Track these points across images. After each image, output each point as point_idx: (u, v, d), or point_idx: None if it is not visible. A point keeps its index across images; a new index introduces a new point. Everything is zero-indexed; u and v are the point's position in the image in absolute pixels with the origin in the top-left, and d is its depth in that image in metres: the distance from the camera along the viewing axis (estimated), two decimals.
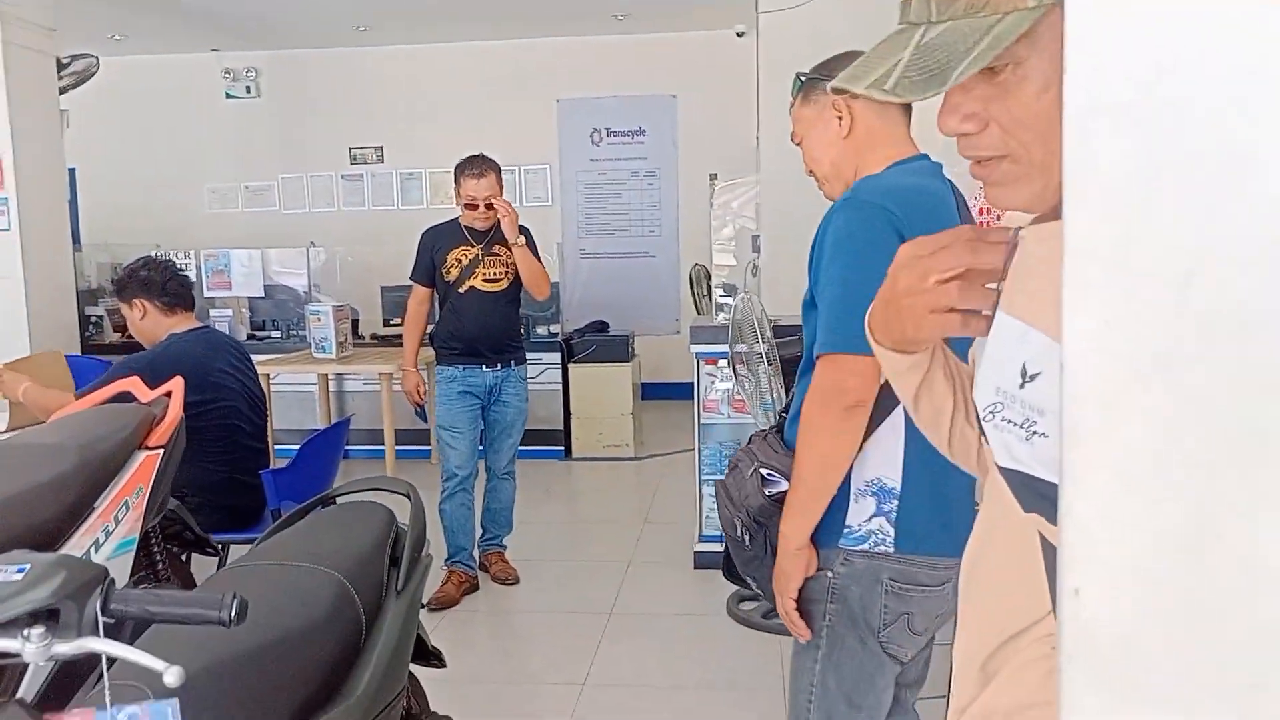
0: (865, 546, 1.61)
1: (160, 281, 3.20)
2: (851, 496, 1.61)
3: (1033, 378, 0.83)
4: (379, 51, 8.13)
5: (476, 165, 3.85)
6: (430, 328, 4.22)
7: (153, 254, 3.40)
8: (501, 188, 3.93)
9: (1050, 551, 0.83)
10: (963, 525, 1.08)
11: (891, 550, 1.60)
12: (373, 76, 8.17)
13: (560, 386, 6.27)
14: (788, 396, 2.79)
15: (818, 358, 1.57)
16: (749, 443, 1.78)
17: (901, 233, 1.48)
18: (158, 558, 2.44)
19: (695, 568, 4.13)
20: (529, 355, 4.31)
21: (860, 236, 1.55)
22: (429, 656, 2.10)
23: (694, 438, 4.27)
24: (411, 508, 2.05)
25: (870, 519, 1.61)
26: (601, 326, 6.75)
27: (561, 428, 6.27)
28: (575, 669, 3.27)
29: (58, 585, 1.02)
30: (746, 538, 1.70)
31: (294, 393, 6.16)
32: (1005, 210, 0.93)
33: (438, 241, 3.98)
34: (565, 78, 7.98)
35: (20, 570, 1.02)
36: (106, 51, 7.40)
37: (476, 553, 4.07)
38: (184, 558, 2.94)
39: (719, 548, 2.50)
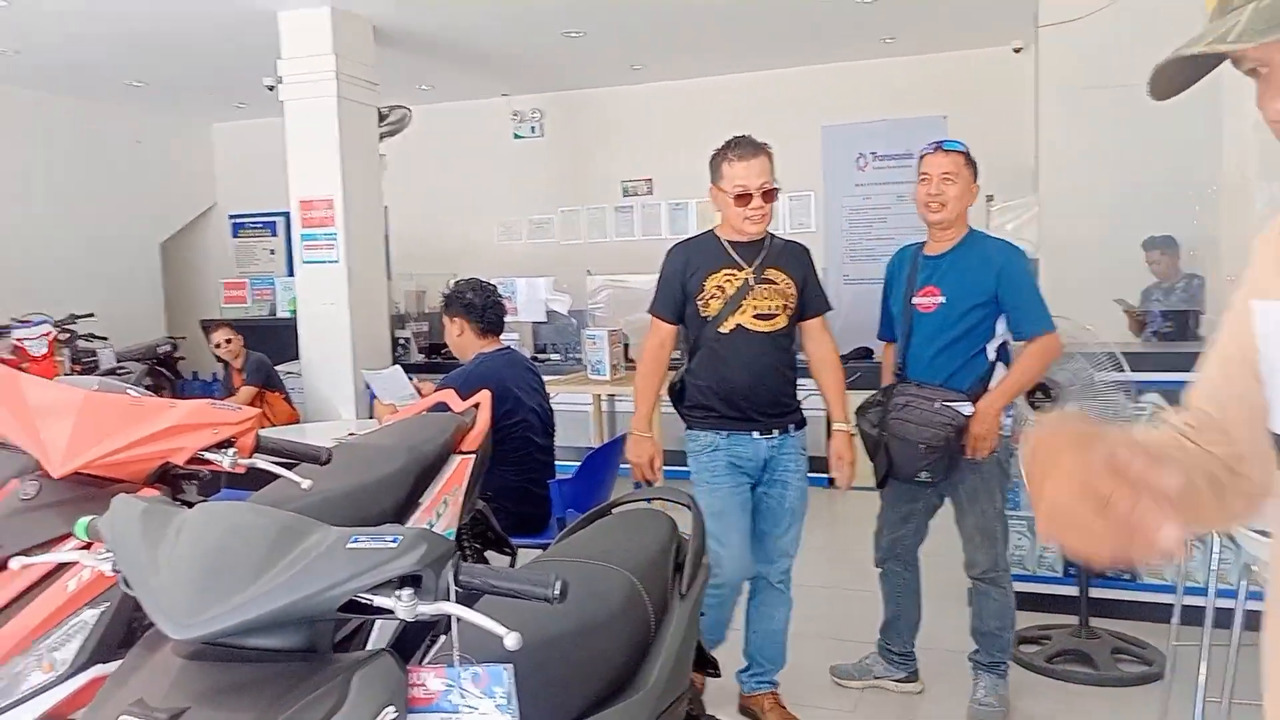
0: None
1: (481, 306, 3.60)
2: None
3: None
4: (651, 88, 8.54)
5: (745, 145, 2.94)
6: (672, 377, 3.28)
7: (480, 279, 3.78)
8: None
9: None
10: None
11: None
12: (644, 112, 8.58)
13: (824, 413, 6.22)
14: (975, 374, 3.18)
15: (1044, 334, 3.06)
16: (894, 396, 3.20)
17: None
18: (466, 553, 2.72)
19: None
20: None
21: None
22: (706, 665, 2.18)
23: None
24: (692, 517, 2.15)
25: None
26: (866, 353, 6.66)
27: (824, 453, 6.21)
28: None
29: (422, 554, 1.19)
30: (938, 445, 3.04)
31: (570, 411, 6.56)
32: None
33: (691, 262, 3.01)
34: (830, 103, 8.00)
35: (394, 540, 1.21)
36: (416, 101, 8.30)
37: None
38: (483, 555, 3.23)
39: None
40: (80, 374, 6.78)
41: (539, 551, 2.63)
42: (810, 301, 3.10)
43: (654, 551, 1.98)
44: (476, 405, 2.78)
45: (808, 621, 3.51)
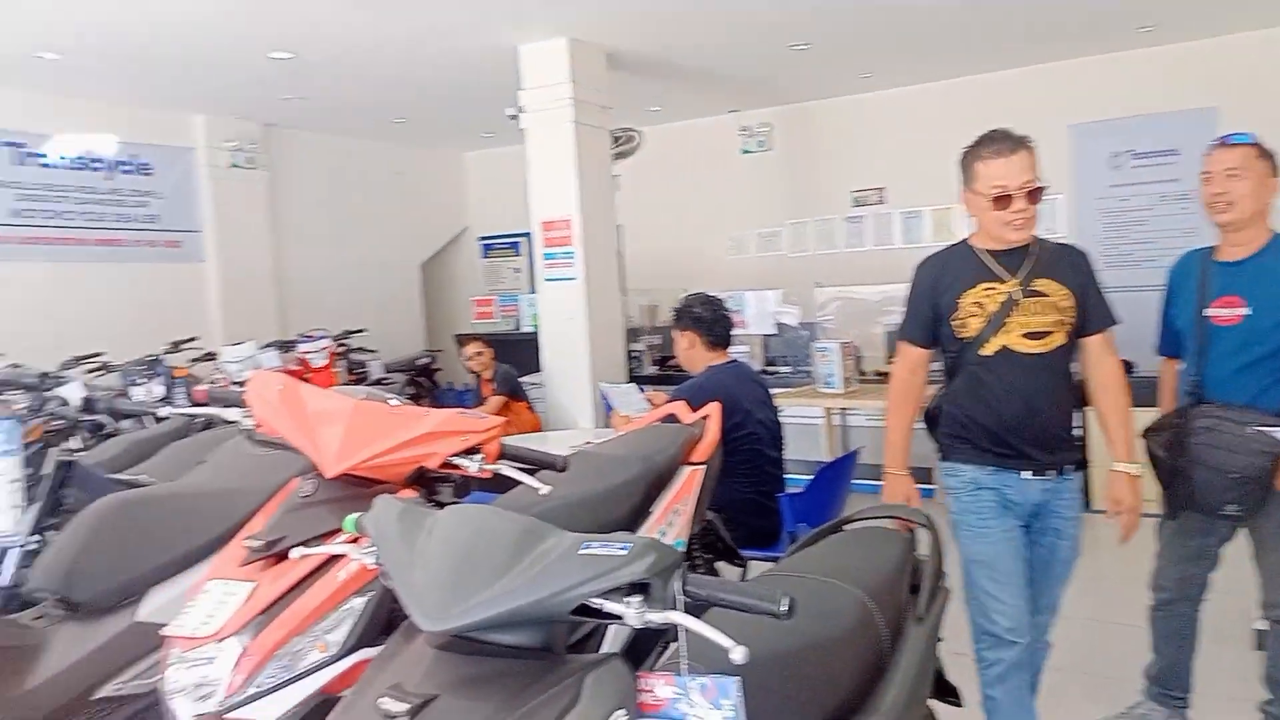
0: None
1: (709, 320, 3.65)
2: None
3: None
4: (881, 95, 8.33)
5: (1002, 140, 2.54)
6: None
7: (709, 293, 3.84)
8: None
9: None
10: None
11: None
12: (875, 120, 8.38)
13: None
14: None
15: None
16: (1194, 419, 2.82)
17: None
18: (696, 562, 2.75)
19: (1257, 648, 3.53)
20: None
21: None
22: (946, 693, 2.08)
23: None
24: (931, 538, 2.06)
25: None
26: (1126, 367, 6.14)
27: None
28: None
29: (651, 562, 1.22)
30: (1252, 474, 2.68)
31: (800, 425, 6.50)
32: None
33: (943, 278, 2.63)
34: (1078, 101, 7.46)
35: (624, 548, 1.24)
36: (646, 122, 8.55)
37: None
38: (713, 567, 3.26)
39: None
40: (353, 383, 7.48)
41: (770, 565, 2.62)
42: (1091, 315, 2.62)
43: (888, 571, 1.92)
44: (706, 417, 2.81)
45: (1061, 654, 3.25)
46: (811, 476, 3.46)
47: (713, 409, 2.82)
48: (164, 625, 1.74)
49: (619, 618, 1.22)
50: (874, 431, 6.28)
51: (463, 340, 7.14)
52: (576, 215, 6.35)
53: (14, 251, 7.35)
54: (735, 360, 3.80)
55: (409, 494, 1.90)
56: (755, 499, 3.45)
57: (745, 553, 3.26)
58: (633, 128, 7.81)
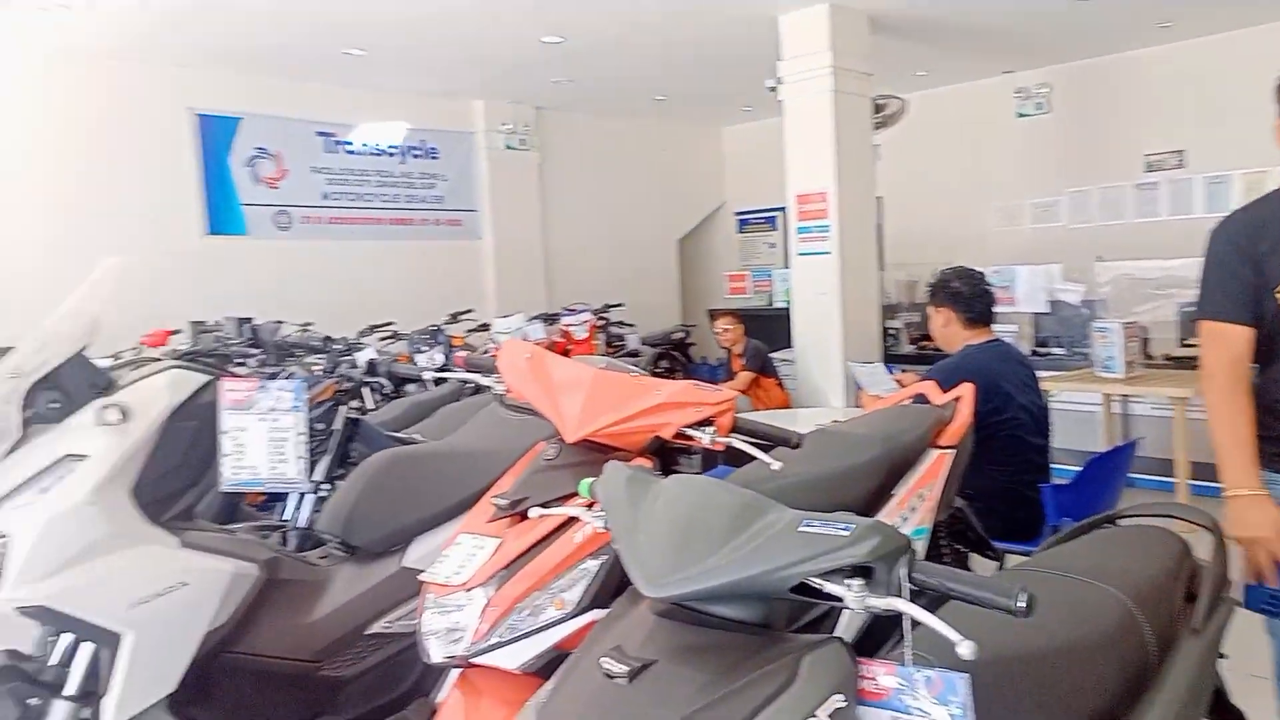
0: None
1: (968, 296, 3.45)
2: None
3: None
4: (1181, 47, 7.45)
5: None
6: None
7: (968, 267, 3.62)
8: None
9: None
10: None
11: None
12: (1174, 75, 7.51)
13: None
14: None
15: None
16: None
17: None
18: (943, 552, 2.61)
19: None
20: None
21: None
22: (1228, 714, 1.85)
23: None
24: (1214, 542, 1.84)
25: None
26: None
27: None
28: None
29: (874, 546, 1.16)
30: None
31: (1074, 412, 6.00)
32: None
33: (1261, 235, 2.06)
34: None
35: (846, 528, 1.20)
36: (911, 88, 8.17)
37: None
38: (964, 558, 3.09)
39: None
40: (611, 356, 7.78)
41: (1024, 559, 2.44)
42: None
43: (1158, 574, 1.73)
44: (958, 399, 2.65)
45: None
46: (1081, 468, 3.18)
47: (965, 390, 2.65)
48: (422, 576, 1.89)
49: (839, 600, 1.18)
50: (1158, 422, 5.67)
51: (715, 315, 7.21)
52: (833, 187, 6.20)
53: (323, 230, 8.26)
54: (998, 339, 3.55)
55: (644, 463, 1.94)
56: (1014, 488, 3.22)
57: (1000, 545, 3.06)
58: (895, 95, 7.48)
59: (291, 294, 7.17)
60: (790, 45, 6.34)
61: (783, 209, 7.43)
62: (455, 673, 1.88)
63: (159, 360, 2.54)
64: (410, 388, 3.95)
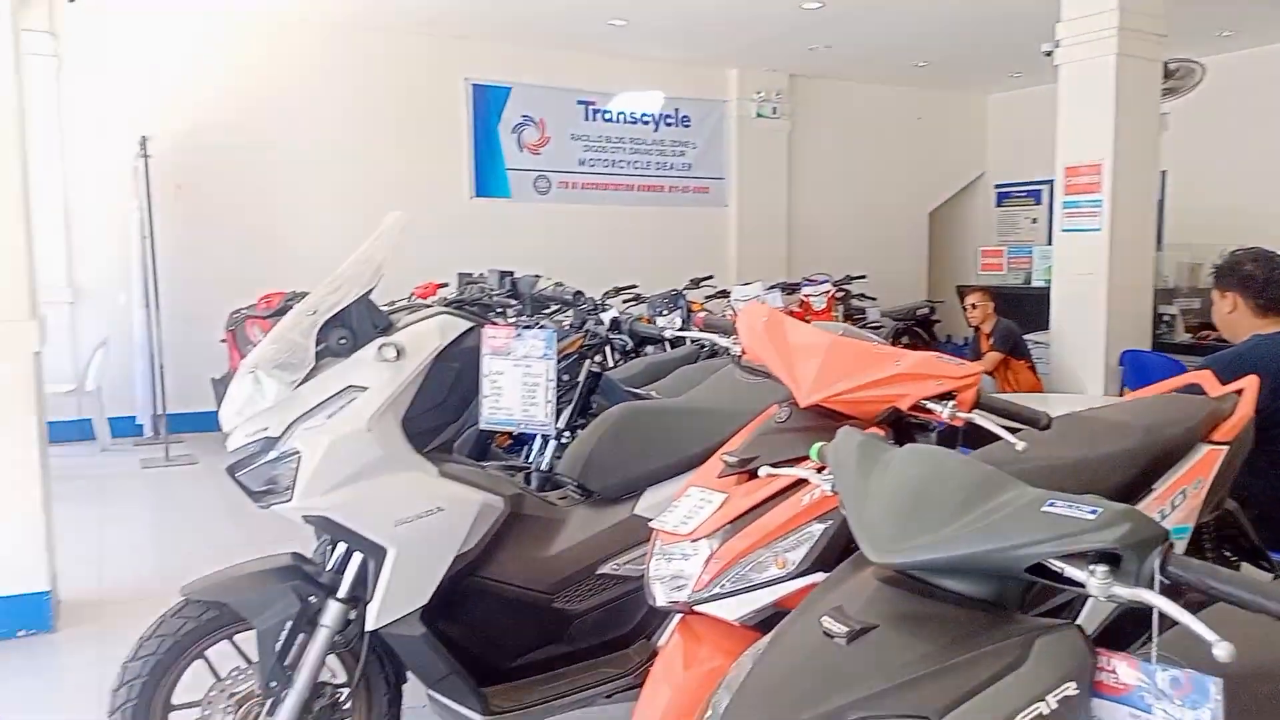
0: None
1: (1261, 280, 3.10)
2: None
3: None
4: None
5: None
6: None
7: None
8: None
9: None
10: None
11: None
12: None
13: None
14: None
15: None
16: None
17: None
18: (1207, 554, 2.39)
19: None
20: None
21: None
22: None
23: None
24: None
25: None
26: None
27: None
28: None
29: (1123, 533, 1.09)
30: None
31: None
32: None
33: None
34: None
35: (1093, 512, 1.13)
36: (1210, 51, 7.35)
37: None
38: (1233, 566, 2.80)
39: None
40: None
41: None
42: None
43: None
44: (1239, 392, 2.39)
45: None
46: None
47: (1249, 383, 2.38)
48: (652, 523, 1.97)
49: (1080, 585, 1.12)
50: None
51: (964, 291, 6.89)
52: (1109, 160, 5.71)
53: (578, 195, 8.64)
54: None
55: (877, 433, 1.90)
56: None
57: (1277, 556, 2.75)
58: (1191, 59, 6.75)
59: (546, 254, 7.57)
60: (1072, 4, 5.87)
61: (1049, 182, 6.94)
62: (677, 618, 1.95)
63: (430, 306, 2.78)
64: (648, 348, 4.08)
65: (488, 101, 8.25)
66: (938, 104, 10.14)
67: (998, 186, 10.40)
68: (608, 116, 8.73)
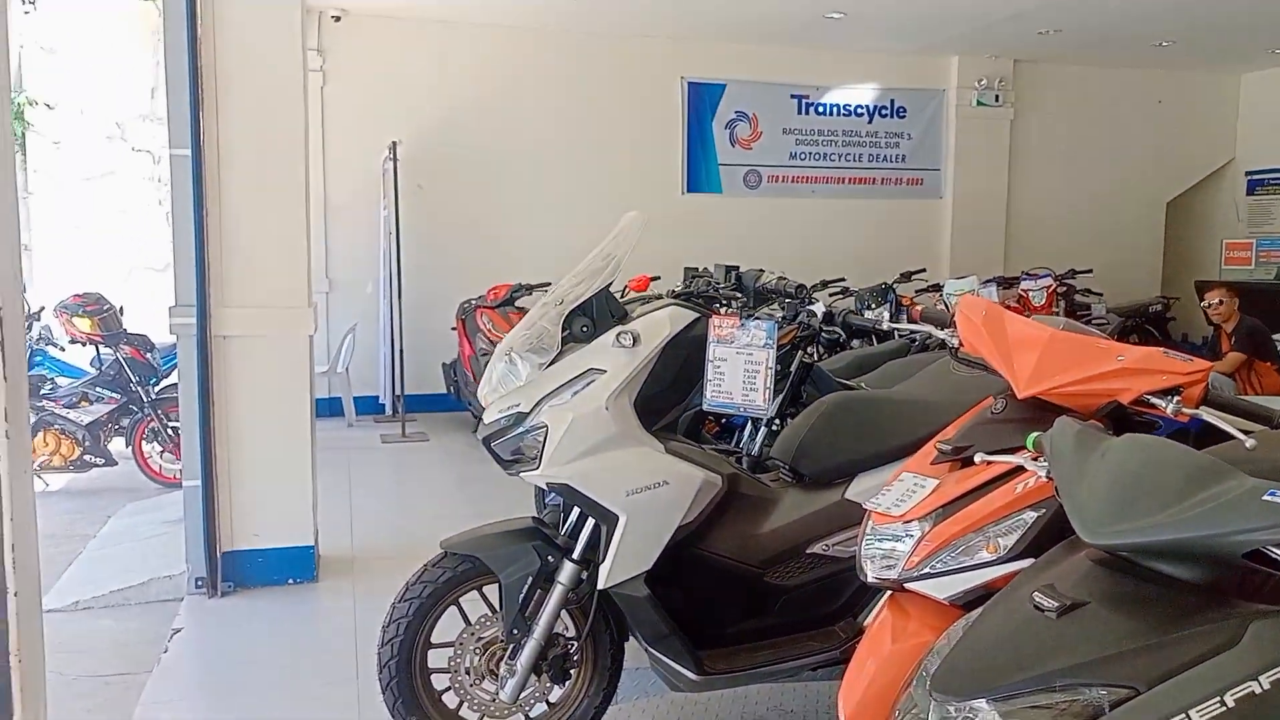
0: None
1: None
2: None
3: None
4: None
5: None
6: None
7: None
8: None
9: None
10: None
11: None
12: None
13: None
14: None
15: None
16: None
17: None
18: None
19: None
20: None
21: None
22: None
23: None
24: None
25: None
26: None
27: None
28: None
29: None
30: None
31: None
32: None
33: None
34: None
35: None
36: None
37: None
38: None
39: None
40: None
41: None
42: None
43: None
44: None
45: None
46: None
47: None
48: (865, 505, 2.08)
49: None
50: None
51: (1204, 287, 6.42)
52: None
53: (788, 189, 8.70)
54: None
55: (1097, 425, 1.92)
56: None
57: None
58: None
59: (754, 248, 7.69)
60: None
61: None
62: (886, 595, 2.05)
63: (661, 298, 3.00)
64: (856, 342, 4.14)
65: (702, 99, 8.46)
66: (1180, 85, 9.42)
67: (1249, 174, 9.54)
68: (821, 110, 8.74)
